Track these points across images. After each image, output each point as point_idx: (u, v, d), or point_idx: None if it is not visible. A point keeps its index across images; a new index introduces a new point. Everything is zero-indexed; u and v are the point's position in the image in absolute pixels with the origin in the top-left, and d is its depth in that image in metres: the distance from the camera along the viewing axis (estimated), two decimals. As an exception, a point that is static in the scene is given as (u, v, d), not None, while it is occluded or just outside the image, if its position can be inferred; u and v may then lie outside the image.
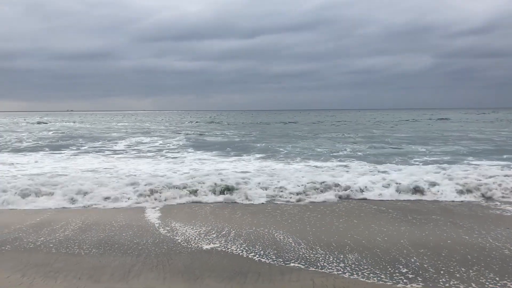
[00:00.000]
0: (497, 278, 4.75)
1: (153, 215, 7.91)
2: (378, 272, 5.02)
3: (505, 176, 10.40)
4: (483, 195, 9.27)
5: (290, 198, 9.17)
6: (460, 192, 9.42)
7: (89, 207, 8.59)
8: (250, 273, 4.95)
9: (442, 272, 4.99)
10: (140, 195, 9.14)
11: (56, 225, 7.15)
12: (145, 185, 9.78)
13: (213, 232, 6.77)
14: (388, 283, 4.66)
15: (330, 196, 9.26)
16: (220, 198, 9.20)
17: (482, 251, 5.69)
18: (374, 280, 4.75)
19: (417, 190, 9.55)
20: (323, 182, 9.95)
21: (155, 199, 9.00)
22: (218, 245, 6.10)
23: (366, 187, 9.76)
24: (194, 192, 9.44)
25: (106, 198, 8.97)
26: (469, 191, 9.47)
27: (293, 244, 6.13)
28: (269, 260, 5.42)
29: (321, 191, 9.49)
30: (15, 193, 9.26)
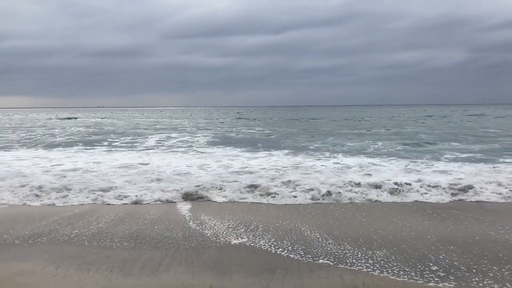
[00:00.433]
0: (534, 279, 4.60)
1: (184, 208, 8.09)
2: (407, 269, 4.94)
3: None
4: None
5: (320, 199, 8.83)
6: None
7: (121, 202, 8.73)
8: (278, 269, 4.94)
9: (474, 270, 4.87)
10: (174, 191, 9.20)
11: (90, 218, 7.35)
12: (176, 182, 9.94)
13: (241, 226, 6.81)
14: (419, 282, 4.57)
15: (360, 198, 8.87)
16: (252, 199, 8.93)
17: (517, 251, 5.53)
18: (405, 278, 4.67)
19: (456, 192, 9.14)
20: (351, 181, 9.78)
21: (188, 198, 8.97)
22: (246, 240, 6.13)
23: (400, 190, 9.22)
24: (222, 190, 9.41)
25: (138, 195, 9.04)
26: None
27: (320, 240, 6.11)
28: (297, 256, 5.40)
29: (350, 191, 9.19)
30: (52, 187, 9.54)
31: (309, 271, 4.91)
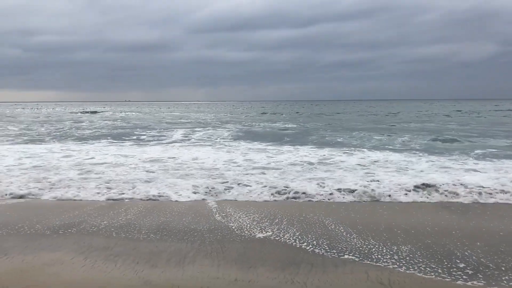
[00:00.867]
0: None
1: (210, 201, 8.20)
2: (434, 266, 4.85)
3: None
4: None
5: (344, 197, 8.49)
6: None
7: (150, 195, 8.85)
8: (303, 264, 4.93)
9: (503, 268, 4.74)
10: (201, 187, 9.23)
11: (119, 209, 7.50)
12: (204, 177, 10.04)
13: (266, 220, 6.82)
14: (447, 279, 4.48)
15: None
16: (280, 198, 8.58)
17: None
18: (432, 275, 4.59)
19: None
20: (377, 180, 9.58)
21: (215, 193, 8.92)
22: (270, 233, 6.13)
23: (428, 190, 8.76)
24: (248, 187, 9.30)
25: (165, 191, 9.03)
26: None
27: (344, 234, 6.07)
28: (322, 251, 5.37)
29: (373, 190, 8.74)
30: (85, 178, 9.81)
31: (334, 266, 4.87)
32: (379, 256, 5.18)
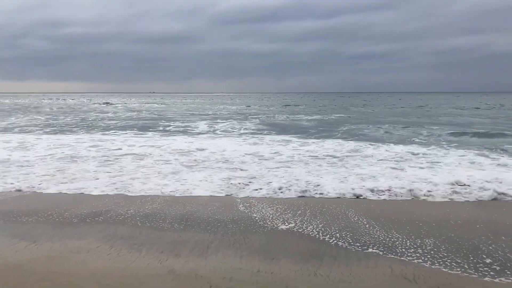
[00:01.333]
0: None
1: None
2: (459, 261, 4.75)
3: None
4: None
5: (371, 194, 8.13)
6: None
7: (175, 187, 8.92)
8: (326, 257, 4.90)
9: (532, 265, 4.61)
10: (226, 180, 9.21)
11: (145, 199, 7.59)
12: (231, 170, 10.01)
13: (289, 211, 6.82)
14: (474, 276, 4.38)
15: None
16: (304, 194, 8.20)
17: None
18: (458, 271, 4.49)
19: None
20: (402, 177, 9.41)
21: (239, 187, 8.85)
22: (293, 225, 6.12)
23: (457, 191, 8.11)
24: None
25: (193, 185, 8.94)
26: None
27: (367, 227, 6.03)
28: (346, 244, 5.33)
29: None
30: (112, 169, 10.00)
31: (358, 260, 4.83)
32: (403, 250, 5.10)
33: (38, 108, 48.45)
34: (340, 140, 16.93)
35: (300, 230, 5.90)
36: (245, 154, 12.83)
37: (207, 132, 20.95)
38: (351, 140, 16.76)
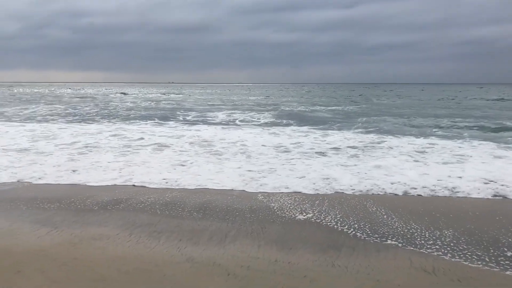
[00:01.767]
0: None
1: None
2: (480, 253, 4.69)
3: None
4: None
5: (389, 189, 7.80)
6: None
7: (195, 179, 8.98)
8: (344, 248, 4.88)
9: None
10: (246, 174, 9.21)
11: (162, 189, 7.67)
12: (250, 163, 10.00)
13: (307, 201, 6.81)
14: (495, 269, 4.30)
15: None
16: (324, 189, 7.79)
17: None
18: (479, 264, 4.42)
19: None
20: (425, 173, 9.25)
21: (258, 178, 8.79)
22: (311, 215, 6.10)
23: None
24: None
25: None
26: None
27: (385, 217, 6.00)
28: (364, 235, 5.30)
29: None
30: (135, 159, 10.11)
31: (376, 251, 4.79)
32: (422, 242, 5.05)
33: (59, 98, 49.19)
34: (360, 130, 16.84)
35: (318, 221, 5.88)
36: (264, 145, 12.81)
37: (227, 122, 21.00)
38: (372, 132, 16.62)
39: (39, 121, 20.74)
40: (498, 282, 4.07)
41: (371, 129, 17.69)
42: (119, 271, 4.17)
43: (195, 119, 23.08)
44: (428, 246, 4.92)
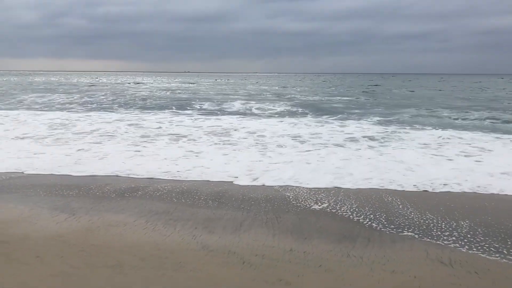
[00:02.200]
0: None
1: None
2: (497, 245, 4.62)
3: None
4: None
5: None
6: None
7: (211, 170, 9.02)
8: (360, 238, 4.86)
9: None
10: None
11: (178, 178, 7.72)
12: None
13: (322, 191, 6.81)
14: (513, 263, 4.25)
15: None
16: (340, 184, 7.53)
17: None
18: (497, 257, 4.36)
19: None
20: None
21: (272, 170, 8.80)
22: (326, 205, 6.09)
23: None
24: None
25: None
26: None
27: (401, 207, 5.98)
28: (380, 226, 5.27)
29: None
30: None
31: (392, 242, 4.76)
32: (439, 233, 5.00)
33: (77, 86, 49.70)
34: (378, 120, 16.69)
35: (333, 211, 5.87)
36: (281, 135, 12.79)
37: (243, 112, 20.98)
38: (390, 122, 16.46)
39: (57, 110, 21.05)
40: (516, 275, 4.01)
41: (390, 120, 17.53)
42: (135, 258, 4.22)
43: (211, 108, 23.17)
44: (445, 238, 4.87)
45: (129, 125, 14.95)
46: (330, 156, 9.68)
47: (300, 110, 22.29)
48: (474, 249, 4.56)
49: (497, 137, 12.60)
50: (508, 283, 3.86)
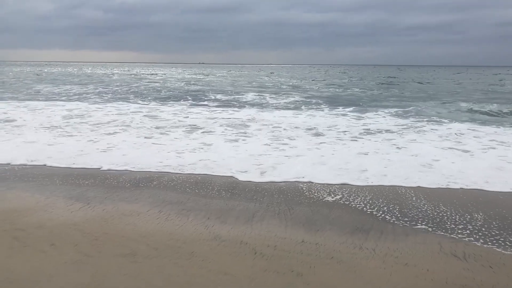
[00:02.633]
0: None
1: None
2: (512, 239, 4.57)
3: None
4: None
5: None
6: None
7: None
8: (372, 231, 4.83)
9: None
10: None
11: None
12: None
13: (335, 184, 6.77)
14: (530, 257, 4.19)
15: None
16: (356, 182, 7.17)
17: None
18: (512, 252, 4.31)
19: None
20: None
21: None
22: (340, 197, 6.07)
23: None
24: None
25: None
26: None
27: (414, 199, 5.96)
28: (393, 219, 5.23)
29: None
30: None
31: (405, 235, 4.73)
32: (453, 227, 4.96)
33: (92, 77, 50.12)
34: (396, 111, 16.56)
35: (346, 203, 5.85)
36: (297, 127, 12.71)
37: (259, 103, 20.93)
38: (408, 115, 16.27)
39: (72, 100, 21.25)
40: (532, 270, 3.95)
41: (407, 112, 17.33)
42: (148, 247, 4.26)
43: (226, 98, 23.23)
44: (459, 231, 4.82)
45: (145, 116, 15.06)
46: (344, 150, 9.47)
47: (317, 100, 22.18)
48: (489, 243, 4.51)
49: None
50: (523, 277, 3.81)
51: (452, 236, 4.70)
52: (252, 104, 20.47)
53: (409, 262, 4.03)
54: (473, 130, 12.38)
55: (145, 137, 10.74)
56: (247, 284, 3.57)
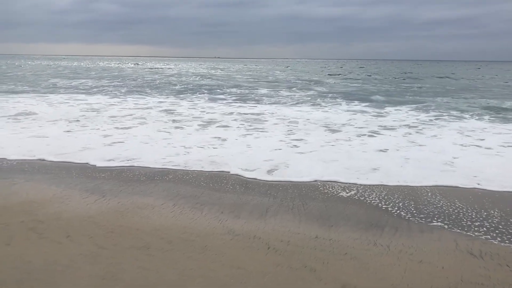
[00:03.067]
0: None
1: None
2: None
3: None
4: None
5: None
6: None
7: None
8: (387, 227, 4.79)
9: None
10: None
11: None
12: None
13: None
14: (548, 256, 4.10)
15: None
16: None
17: None
18: (530, 250, 4.22)
19: None
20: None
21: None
22: (354, 192, 6.03)
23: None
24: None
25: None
26: None
27: (430, 195, 5.90)
28: (408, 215, 5.18)
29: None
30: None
31: (420, 232, 4.68)
32: (469, 224, 4.88)
33: (109, 71, 50.53)
34: (416, 107, 16.37)
35: (361, 199, 5.80)
36: (313, 123, 12.64)
37: (274, 98, 20.86)
38: (431, 110, 16.10)
39: (89, 94, 21.46)
40: (551, 269, 3.87)
41: (427, 107, 17.11)
42: (162, 240, 4.29)
43: (242, 92, 23.24)
44: (475, 229, 4.75)
45: (162, 110, 15.15)
46: (361, 147, 9.27)
47: (332, 96, 22.01)
48: (507, 241, 4.43)
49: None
50: (541, 277, 3.73)
51: (469, 233, 4.63)
52: (268, 98, 20.42)
53: (423, 259, 3.98)
54: (494, 127, 12.14)
55: (161, 131, 10.80)
56: (260, 279, 3.57)
